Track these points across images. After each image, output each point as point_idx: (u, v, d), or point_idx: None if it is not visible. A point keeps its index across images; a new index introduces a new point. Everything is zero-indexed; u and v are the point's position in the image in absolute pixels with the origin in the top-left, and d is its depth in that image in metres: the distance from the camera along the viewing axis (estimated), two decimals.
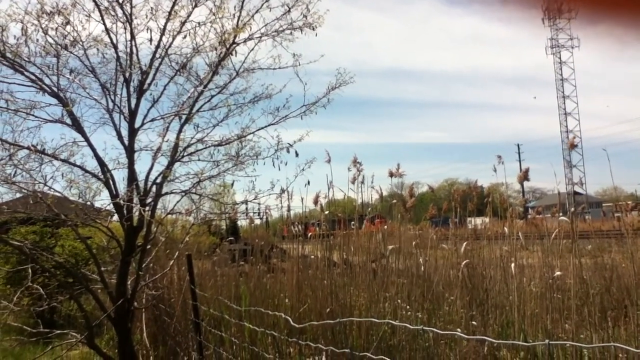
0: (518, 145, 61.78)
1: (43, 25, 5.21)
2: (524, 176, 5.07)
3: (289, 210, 7.05)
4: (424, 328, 2.70)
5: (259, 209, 7.48)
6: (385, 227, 7.36)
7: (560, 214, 5.86)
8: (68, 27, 5.38)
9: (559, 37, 64.63)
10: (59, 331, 6.05)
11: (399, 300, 5.27)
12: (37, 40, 5.28)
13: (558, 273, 4.64)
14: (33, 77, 5.32)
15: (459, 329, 4.46)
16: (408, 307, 5.37)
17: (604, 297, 4.91)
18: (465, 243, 5.54)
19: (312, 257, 6.71)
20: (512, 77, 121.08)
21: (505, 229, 5.91)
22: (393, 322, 3.44)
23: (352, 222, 7.76)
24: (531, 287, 5.07)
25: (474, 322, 4.65)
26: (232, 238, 9.14)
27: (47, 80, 5.38)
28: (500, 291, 5.11)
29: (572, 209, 4.84)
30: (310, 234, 7.57)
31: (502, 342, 3.73)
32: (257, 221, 9.53)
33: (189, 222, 7.48)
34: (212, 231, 12.87)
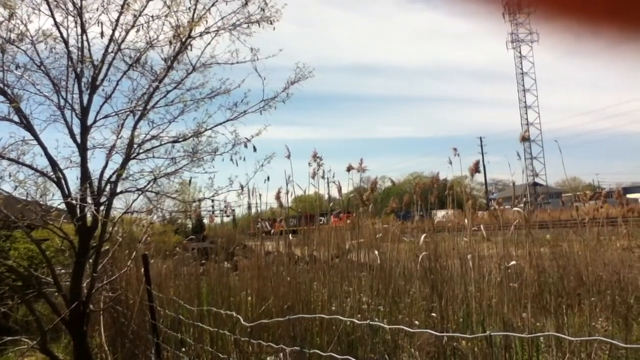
0: (480, 139, 62.95)
1: None
2: (475, 169, 5.13)
3: (249, 207, 6.97)
4: (371, 322, 2.67)
5: (225, 207, 7.39)
6: (349, 221, 7.36)
7: (521, 205, 5.95)
8: (14, 21, 5.17)
9: (519, 31, 66.02)
10: (9, 337, 5.83)
11: (359, 295, 5.26)
12: None
13: (513, 262, 4.71)
14: None
15: (417, 322, 4.48)
16: (370, 300, 5.37)
17: (559, 285, 5.01)
18: (423, 235, 5.57)
19: (275, 253, 6.65)
20: (475, 71, 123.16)
21: (466, 220, 5.97)
22: (341, 318, 3.41)
23: (320, 218, 7.75)
24: (490, 277, 5.13)
25: (433, 314, 4.68)
26: (193, 237, 8.98)
27: None
28: (460, 282, 5.15)
29: (525, 200, 4.92)
30: (273, 230, 7.51)
31: (446, 335, 3.76)
32: (224, 219, 9.40)
33: (149, 220, 7.32)
34: (177, 229, 12.66)
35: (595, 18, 1.65)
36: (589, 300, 4.59)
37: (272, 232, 7.43)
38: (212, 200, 6.30)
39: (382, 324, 2.88)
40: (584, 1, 1.69)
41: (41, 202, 5.25)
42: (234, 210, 7.91)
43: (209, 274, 6.60)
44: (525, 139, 5.35)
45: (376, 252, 5.23)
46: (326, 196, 7.20)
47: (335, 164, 6.25)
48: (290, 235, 6.68)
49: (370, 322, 2.67)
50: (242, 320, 3.49)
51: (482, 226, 6.04)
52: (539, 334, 3.69)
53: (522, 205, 5.81)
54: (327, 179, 6.35)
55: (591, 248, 5.84)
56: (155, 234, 8.36)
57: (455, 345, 4.14)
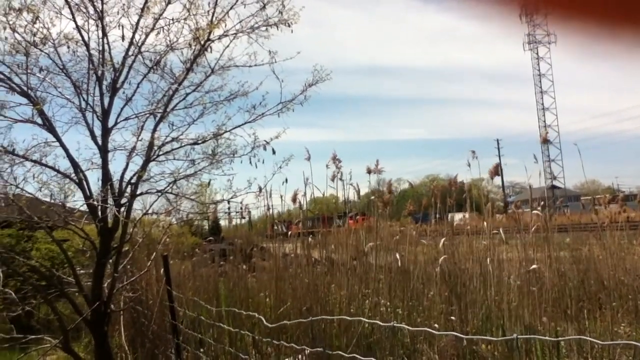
0: (497, 141, 62.27)
1: (11, 23, 5.08)
2: (495, 171, 5.08)
3: (269, 209, 7.01)
4: (394, 324, 2.66)
5: (241, 208, 7.42)
6: (365, 224, 7.35)
7: (539, 208, 5.89)
8: (37, 24, 5.26)
9: (536, 33, 65.19)
10: (33, 336, 5.91)
11: (378, 297, 5.25)
12: (6, 38, 5.16)
13: (534, 266, 4.66)
14: (1, 76, 5.19)
15: (436, 325, 4.46)
16: (388, 303, 5.36)
17: (580, 290, 4.95)
18: (443, 239, 5.54)
19: (292, 255, 6.67)
20: (488, 72, 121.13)
21: (484, 223, 5.93)
22: (364, 320, 3.41)
23: (335, 220, 7.75)
24: (510, 281, 5.09)
25: (452, 317, 4.65)
26: (211, 238, 9.04)
27: (16, 79, 5.27)
28: (479, 286, 5.12)
29: (543, 203, 4.87)
30: (290, 232, 7.53)
31: (471, 337, 3.73)
32: (239, 220, 9.46)
33: (167, 222, 7.39)
34: (193, 231, 12.76)
35: (613, 19, 1.64)
36: (611, 305, 4.53)
37: (289, 234, 7.45)
38: (228, 202, 6.35)
39: (406, 327, 2.87)
40: (601, 3, 1.68)
41: (65, 204, 5.33)
42: (249, 212, 7.95)
43: (228, 275, 6.64)
44: (546, 140, 5.29)
45: (397, 255, 5.21)
46: (344, 198, 7.20)
47: (349, 166, 6.26)
48: (310, 237, 6.70)
49: (395, 325, 2.67)
50: (264, 321, 3.50)
51: (500, 229, 5.99)
52: (565, 337, 3.65)
53: (539, 208, 5.76)
54: (344, 181, 6.37)
55: (612, 252, 5.76)
56: (174, 235, 8.44)
57: (476, 349, 4.11)
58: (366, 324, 4.61)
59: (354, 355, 2.23)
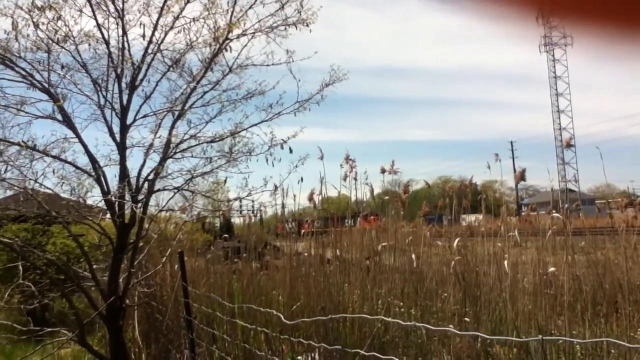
0: (511, 143, 61.52)
1: (34, 20, 5.16)
2: (520, 176, 5.02)
3: (283, 207, 7.04)
4: (416, 324, 2.67)
5: (253, 206, 7.47)
6: (378, 223, 7.35)
7: (555, 211, 5.86)
8: (59, 22, 5.33)
9: (553, 35, 64.46)
10: (49, 329, 6.00)
11: (391, 297, 5.26)
12: (28, 35, 5.23)
13: (552, 269, 4.63)
14: (23, 73, 5.27)
15: (451, 325, 4.45)
16: (401, 303, 5.36)
17: (596, 293, 4.91)
18: (457, 239, 5.53)
19: (305, 254, 6.69)
20: (503, 74, 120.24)
21: (501, 226, 5.91)
22: (385, 319, 3.43)
23: (347, 219, 7.75)
24: (524, 284, 5.07)
25: (466, 319, 4.64)
26: (226, 235, 9.11)
27: (37, 76, 5.34)
28: (494, 288, 5.10)
29: (567, 206, 4.84)
30: (303, 231, 7.56)
31: (494, 338, 3.72)
32: (252, 219, 9.51)
33: (182, 219, 7.45)
34: (206, 229, 12.84)
35: (629, 22, 1.64)
36: (627, 310, 4.49)
37: (302, 232, 7.47)
38: (240, 200, 6.39)
39: (428, 326, 2.89)
40: (618, 5, 1.68)
41: (85, 199, 5.41)
42: (261, 210, 7.99)
43: (242, 273, 6.68)
44: (569, 145, 5.27)
45: (413, 256, 5.21)
46: (358, 197, 7.21)
47: (363, 166, 6.27)
48: (323, 236, 6.71)
49: (416, 324, 2.68)
50: (283, 318, 3.52)
51: (516, 231, 5.96)
52: (590, 340, 3.63)
53: (554, 211, 5.72)
54: (356, 180, 6.37)
55: (628, 256, 5.71)
56: (188, 232, 8.51)
57: (490, 351, 4.10)
58: (379, 323, 4.62)
59: (373, 353, 2.25)
